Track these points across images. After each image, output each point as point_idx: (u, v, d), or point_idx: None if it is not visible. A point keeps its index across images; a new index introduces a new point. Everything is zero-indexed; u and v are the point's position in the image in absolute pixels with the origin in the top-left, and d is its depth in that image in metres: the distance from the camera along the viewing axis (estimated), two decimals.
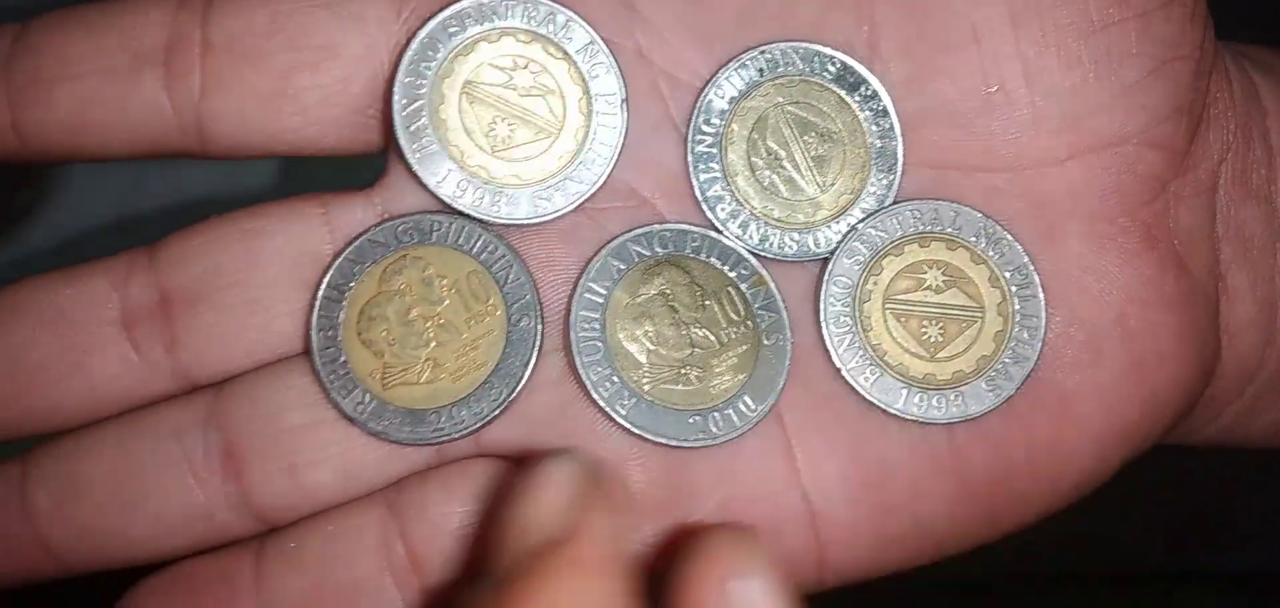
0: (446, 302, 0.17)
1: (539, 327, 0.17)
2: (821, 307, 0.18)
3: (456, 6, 0.17)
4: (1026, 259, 0.18)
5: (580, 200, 0.17)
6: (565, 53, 0.17)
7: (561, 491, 0.14)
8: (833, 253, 0.18)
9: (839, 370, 0.18)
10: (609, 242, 0.18)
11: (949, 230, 0.18)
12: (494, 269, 0.17)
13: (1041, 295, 0.18)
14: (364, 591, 0.18)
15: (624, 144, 0.17)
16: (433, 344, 0.17)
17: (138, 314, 0.18)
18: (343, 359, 0.17)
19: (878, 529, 0.18)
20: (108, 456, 0.18)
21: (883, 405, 0.18)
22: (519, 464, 0.17)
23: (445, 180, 0.17)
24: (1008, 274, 0.18)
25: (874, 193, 0.18)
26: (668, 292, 0.18)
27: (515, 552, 0.14)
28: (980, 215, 0.18)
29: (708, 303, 0.18)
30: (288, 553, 0.18)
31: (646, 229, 0.18)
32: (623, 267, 0.18)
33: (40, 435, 0.19)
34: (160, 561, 0.19)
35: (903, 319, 0.18)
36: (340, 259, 0.18)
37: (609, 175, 0.18)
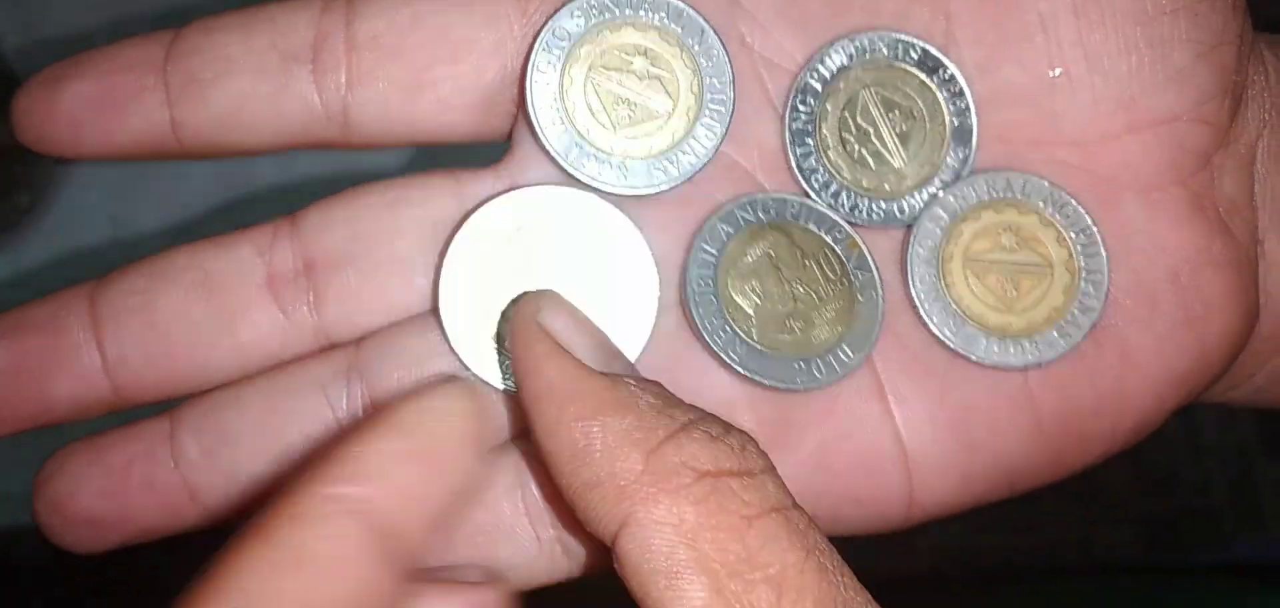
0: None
1: (657, 288, 0.19)
2: (909, 266, 0.20)
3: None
4: (1089, 221, 0.20)
5: (691, 173, 0.19)
6: (679, 41, 0.19)
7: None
8: (917, 219, 0.20)
9: (925, 323, 0.20)
10: (718, 208, 0.20)
11: (1018, 196, 0.20)
12: (604, 232, 0.19)
13: (1104, 252, 0.20)
14: (501, 530, 0.19)
15: (730, 123, 0.19)
16: None
17: (283, 277, 0.20)
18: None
19: (961, 466, 0.20)
20: (255, 406, 0.19)
21: (965, 353, 0.19)
22: None
23: (572, 153, 0.19)
24: (1073, 235, 0.20)
25: (952, 165, 0.20)
26: (772, 253, 0.20)
27: None
28: (1046, 183, 0.20)
29: (808, 263, 0.20)
30: None
31: (751, 198, 0.20)
32: (731, 230, 0.20)
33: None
34: None
35: (981, 276, 0.20)
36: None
37: (716, 151, 0.19)
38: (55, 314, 0.20)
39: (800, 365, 0.19)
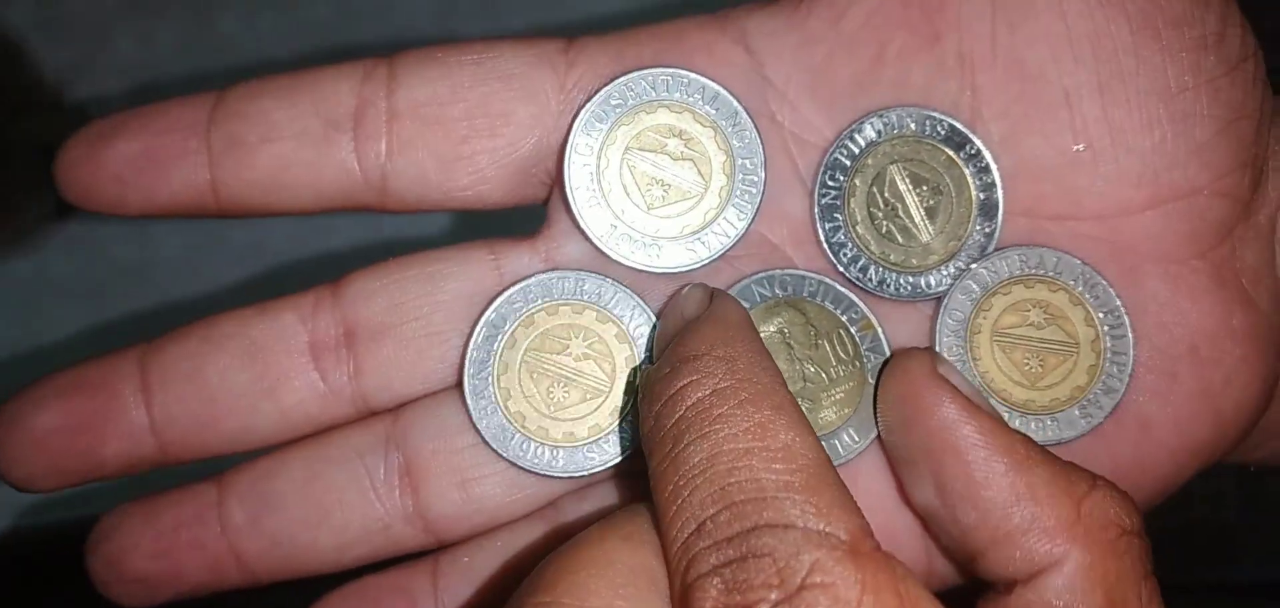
0: (584, 349, 0.20)
1: None
2: (937, 338, 0.20)
3: (621, 81, 0.20)
4: (1119, 303, 0.20)
5: (722, 252, 0.20)
6: (712, 122, 0.20)
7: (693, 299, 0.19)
8: (948, 290, 0.20)
9: None
10: (735, 282, 0.20)
11: (1051, 274, 0.20)
12: (614, 311, 0.20)
13: (1131, 336, 0.20)
14: None
15: (761, 202, 0.20)
16: (576, 388, 0.20)
17: (324, 345, 0.20)
18: (499, 402, 0.20)
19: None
20: (297, 474, 0.20)
21: None
22: None
23: (608, 233, 0.20)
24: (1101, 315, 0.20)
25: (978, 239, 0.20)
26: (785, 330, 0.20)
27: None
28: (1079, 262, 0.20)
29: (821, 342, 0.20)
30: (461, 566, 0.20)
31: (769, 273, 0.20)
32: (746, 305, 0.20)
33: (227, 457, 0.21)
34: (340, 571, 0.21)
35: (1008, 351, 0.20)
36: (490, 310, 0.20)
37: (747, 231, 0.20)
38: (107, 376, 0.20)
39: None
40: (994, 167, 0.20)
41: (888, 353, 0.20)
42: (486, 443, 0.20)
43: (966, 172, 0.20)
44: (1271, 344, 0.21)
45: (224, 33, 0.41)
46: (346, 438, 0.21)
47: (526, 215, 0.22)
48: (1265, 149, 0.21)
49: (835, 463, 0.19)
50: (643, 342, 0.20)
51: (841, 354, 0.20)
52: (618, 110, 0.20)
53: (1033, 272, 0.20)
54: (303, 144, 0.20)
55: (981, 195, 0.20)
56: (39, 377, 0.20)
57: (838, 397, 0.20)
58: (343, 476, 0.20)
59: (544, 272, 0.20)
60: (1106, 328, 0.20)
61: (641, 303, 0.20)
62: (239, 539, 0.20)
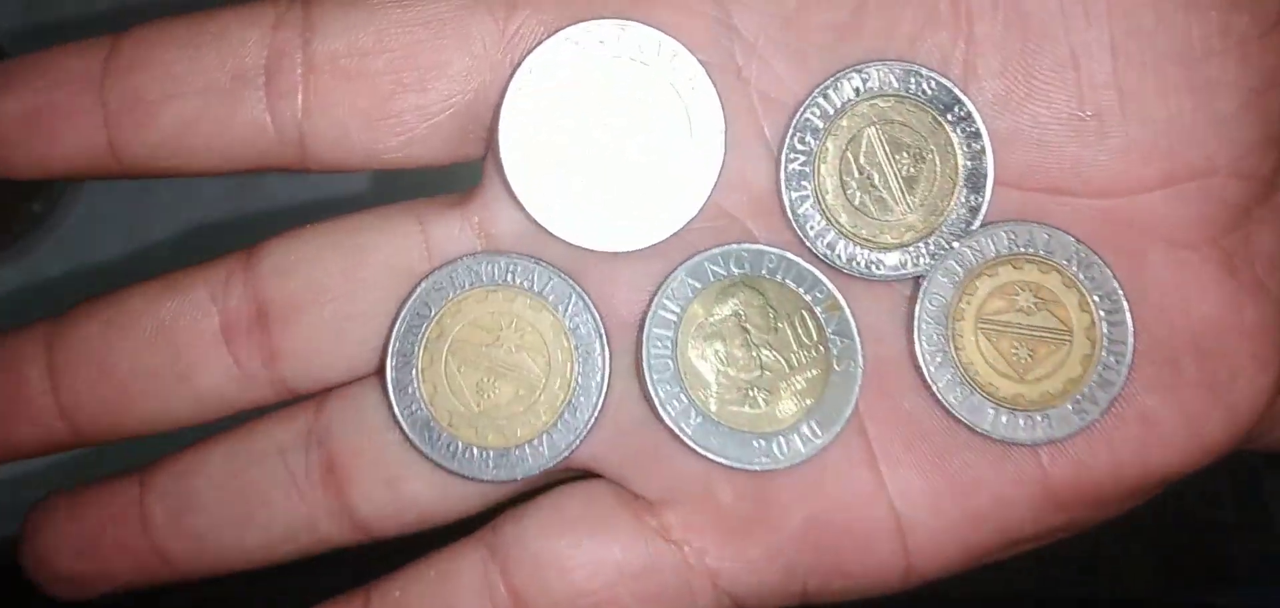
0: (516, 340, 0.18)
1: (607, 352, 0.18)
2: (916, 323, 0.18)
3: (567, 31, 0.17)
4: (1117, 286, 0.18)
5: (675, 230, 0.18)
6: (671, 83, 0.17)
7: None
8: (929, 271, 0.18)
9: (930, 386, 0.18)
10: (686, 260, 0.18)
11: (1042, 253, 0.18)
12: (549, 299, 0.18)
13: (1130, 322, 0.18)
14: None
15: (720, 172, 0.18)
16: (508, 382, 0.18)
17: (237, 326, 0.18)
18: (423, 399, 0.18)
19: (964, 537, 0.18)
20: (217, 472, 0.19)
21: (971, 424, 0.18)
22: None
23: (545, 205, 0.18)
24: (1097, 299, 0.18)
25: (962, 213, 0.18)
26: (741, 313, 0.18)
27: None
28: (1073, 240, 0.18)
29: (780, 325, 0.18)
30: (393, 601, 0.18)
31: (724, 249, 0.18)
32: (698, 285, 0.18)
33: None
34: (271, 566, 0.19)
35: (994, 339, 0.18)
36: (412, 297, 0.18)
37: (704, 206, 0.18)
38: (13, 359, 0.19)
39: (760, 443, 0.18)
40: (985, 132, 0.18)
41: (856, 338, 0.18)
42: (411, 441, 0.18)
43: (954, 137, 0.18)
44: None
45: None
46: (268, 432, 0.19)
47: (465, 167, 0.20)
48: None
49: (794, 462, 0.18)
50: (582, 332, 0.18)
51: (804, 339, 0.18)
52: (563, 64, 0.17)
53: (1022, 251, 0.18)
54: (210, 100, 0.18)
55: (969, 164, 0.18)
56: None
57: (799, 386, 0.18)
58: (264, 474, 0.19)
59: (473, 254, 0.18)
60: (1103, 314, 0.18)
61: (579, 290, 0.18)
62: (163, 539, 0.19)
